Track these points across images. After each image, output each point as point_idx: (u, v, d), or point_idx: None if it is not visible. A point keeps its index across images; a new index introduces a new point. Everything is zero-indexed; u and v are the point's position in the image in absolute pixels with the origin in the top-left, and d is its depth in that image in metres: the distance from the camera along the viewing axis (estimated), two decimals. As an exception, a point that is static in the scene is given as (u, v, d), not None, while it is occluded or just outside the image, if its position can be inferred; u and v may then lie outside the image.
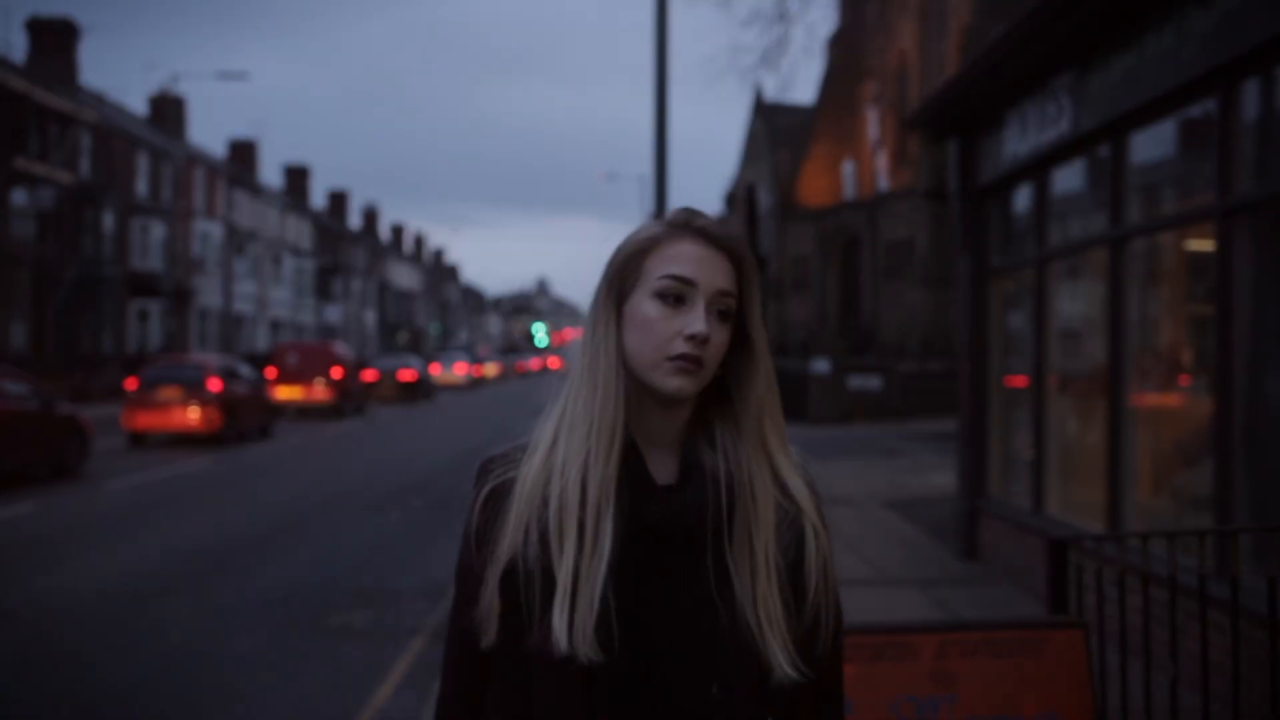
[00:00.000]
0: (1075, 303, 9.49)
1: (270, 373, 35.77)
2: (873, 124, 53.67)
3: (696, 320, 1.70)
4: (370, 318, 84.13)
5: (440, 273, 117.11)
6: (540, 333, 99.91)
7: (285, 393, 35.65)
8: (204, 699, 7.14)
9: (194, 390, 24.32)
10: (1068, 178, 9.41)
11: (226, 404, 24.79)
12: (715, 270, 1.74)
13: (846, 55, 53.21)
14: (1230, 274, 6.54)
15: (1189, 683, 4.42)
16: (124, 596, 9.82)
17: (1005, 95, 9.82)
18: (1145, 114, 7.60)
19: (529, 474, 1.76)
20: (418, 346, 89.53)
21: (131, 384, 24.87)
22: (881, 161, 53.39)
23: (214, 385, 24.53)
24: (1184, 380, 7.68)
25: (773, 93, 43.81)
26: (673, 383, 1.70)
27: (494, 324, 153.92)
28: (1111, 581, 4.22)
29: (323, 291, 73.04)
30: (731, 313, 1.75)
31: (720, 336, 1.74)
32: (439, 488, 17.55)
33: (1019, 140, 9.66)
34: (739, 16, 38.82)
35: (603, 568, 1.66)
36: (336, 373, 36.70)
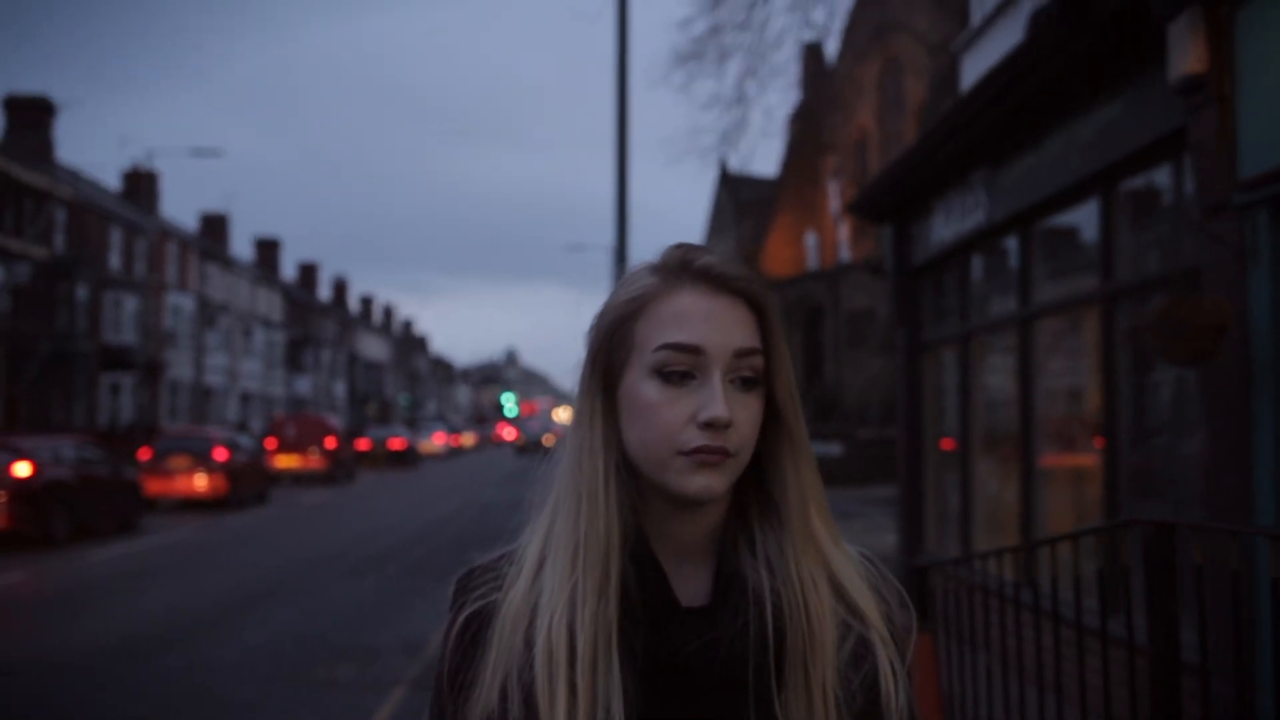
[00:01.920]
0: (996, 374, 10.46)
1: (270, 443, 39.13)
2: (834, 196, 55.02)
3: (713, 401, 1.28)
4: (340, 389, 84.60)
5: (409, 343, 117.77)
6: (509, 403, 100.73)
7: (284, 461, 39.11)
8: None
9: (202, 460, 26.95)
10: (988, 261, 10.42)
11: (231, 472, 27.17)
12: (729, 325, 1.32)
13: (808, 129, 54.71)
14: (1113, 349, 7.50)
15: (1019, 670, 5.29)
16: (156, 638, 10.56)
17: (932, 186, 10.86)
18: (1045, 208, 8.63)
19: (510, 606, 1.35)
20: (387, 417, 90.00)
21: (145, 454, 27.44)
22: (843, 233, 54.74)
23: (220, 455, 27.14)
24: (1089, 442, 8.63)
25: (733, 169, 45.05)
26: (694, 483, 1.29)
27: (463, 394, 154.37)
28: (965, 596, 5.11)
29: (293, 363, 73.57)
30: (759, 376, 1.34)
31: (748, 411, 1.32)
32: (414, 554, 18.27)
33: (944, 227, 10.68)
34: (699, 101, 40.32)
35: None
36: (330, 443, 40.06)
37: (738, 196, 60.08)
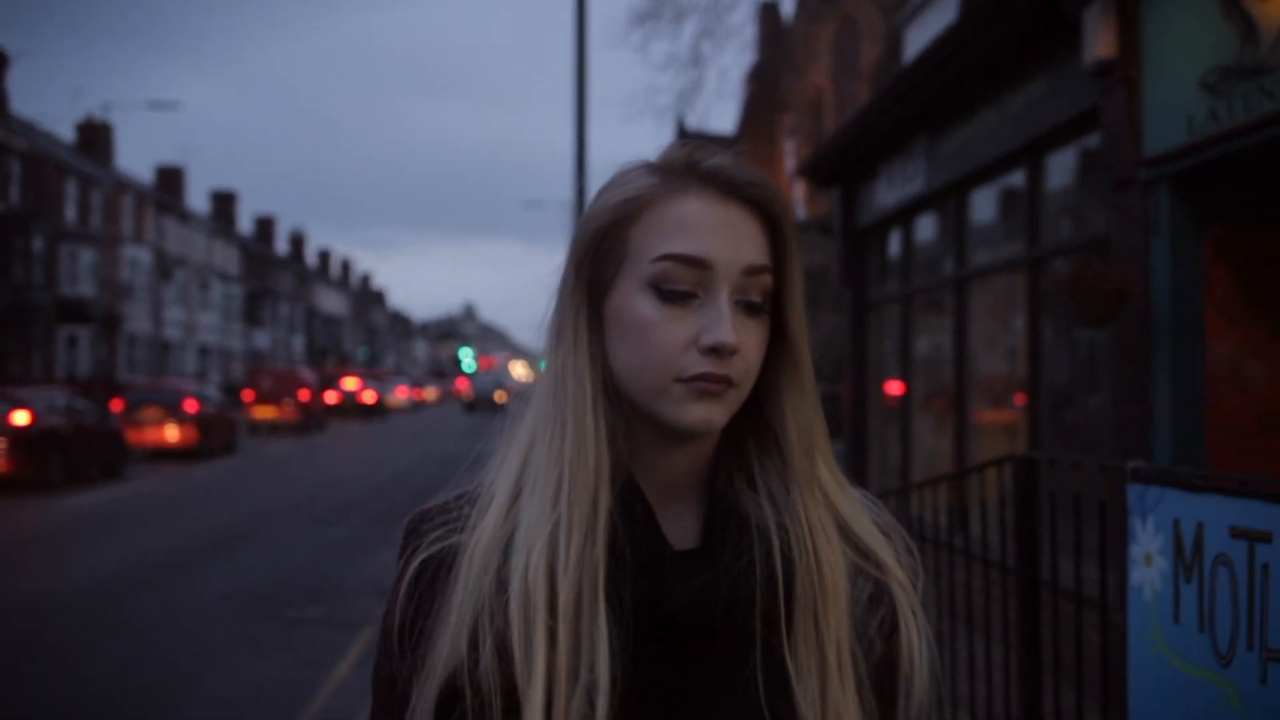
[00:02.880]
0: (935, 334, 11.05)
1: (248, 395, 42.16)
2: (790, 155, 55.43)
3: (719, 323, 1.14)
4: (298, 343, 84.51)
5: (367, 297, 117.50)
6: (467, 358, 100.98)
7: (260, 411, 41.52)
8: (186, 674, 8.34)
9: (173, 411, 27.89)
10: (927, 226, 10.99)
11: (202, 423, 28.19)
12: (739, 237, 1.18)
13: (764, 89, 55.04)
14: (1037, 312, 8.08)
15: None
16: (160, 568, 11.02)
17: (876, 153, 11.39)
18: (979, 178, 9.17)
19: (479, 544, 1.20)
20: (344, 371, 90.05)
21: (117, 405, 28.27)
22: (799, 192, 55.24)
23: (190, 406, 28.12)
24: (1016, 399, 9.23)
25: (691, 126, 45.34)
26: (693, 414, 1.16)
27: (421, 349, 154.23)
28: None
29: (251, 317, 73.44)
30: (767, 298, 1.20)
31: (754, 338, 1.18)
32: (378, 505, 18.76)
33: (888, 192, 11.23)
34: (655, 61, 40.65)
35: (600, 698, 1.12)
36: (304, 395, 42.35)
37: (695, 153, 60.10)
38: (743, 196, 1.18)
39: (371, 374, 68.97)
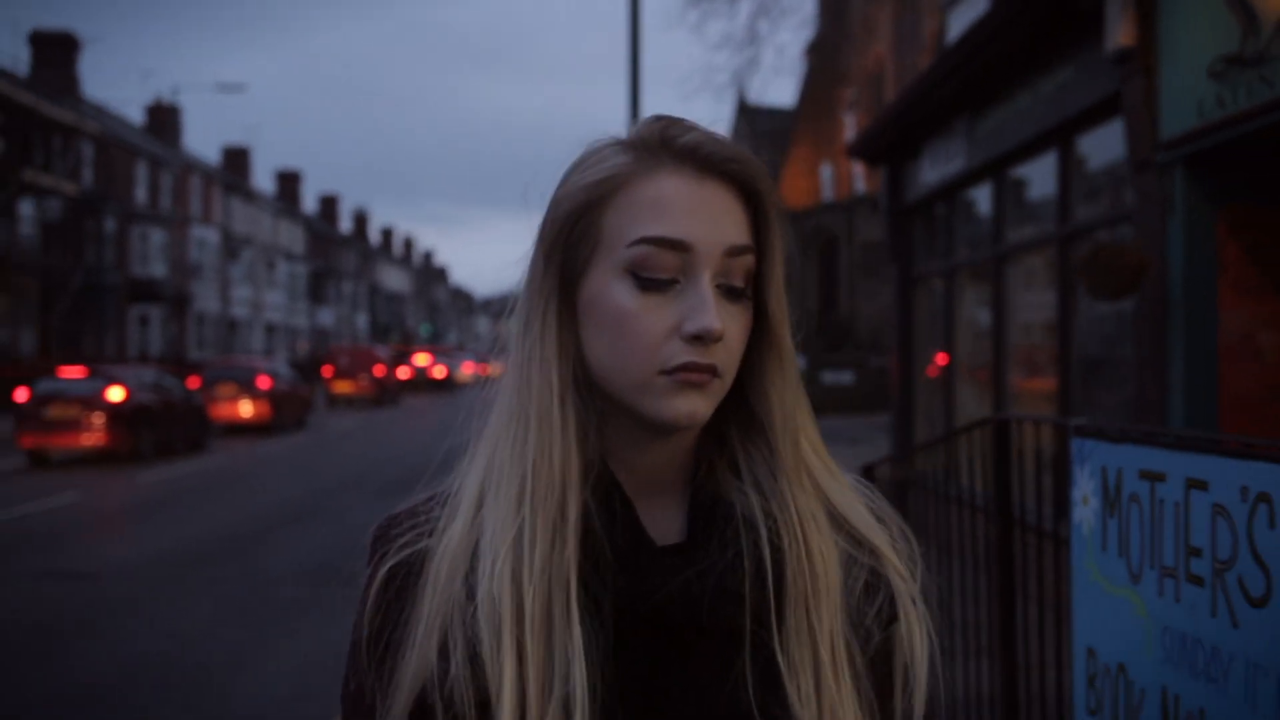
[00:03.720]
0: (976, 307, 11.43)
1: (327, 371, 44.99)
2: (850, 128, 55.46)
3: (702, 309, 1.07)
4: (361, 320, 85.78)
5: (429, 274, 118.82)
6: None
7: (339, 386, 44.26)
8: (266, 634, 8.95)
9: (247, 387, 29.13)
10: (968, 203, 11.36)
11: (274, 399, 29.38)
12: (720, 216, 1.11)
13: (824, 61, 55.01)
14: (1068, 286, 8.46)
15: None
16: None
17: (921, 132, 11.76)
18: (1014, 157, 9.55)
19: (447, 549, 1.14)
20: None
21: (194, 382, 29.22)
22: (858, 165, 55.27)
23: (264, 383, 29.33)
24: (1052, 366, 9.62)
25: (751, 100, 45.51)
26: (677, 407, 1.09)
27: (483, 324, 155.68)
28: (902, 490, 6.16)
29: (315, 295, 74.65)
30: (749, 280, 1.14)
31: (737, 323, 1.12)
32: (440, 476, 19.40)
33: (930, 170, 11.61)
34: (711, 41, 41.02)
35: (577, 710, 1.06)
36: (379, 371, 44.98)
37: (755, 127, 60.48)
38: (722, 173, 1.11)
39: (441, 350, 70.72)
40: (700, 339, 1.07)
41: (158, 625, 9.04)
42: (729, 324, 1.10)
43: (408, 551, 1.17)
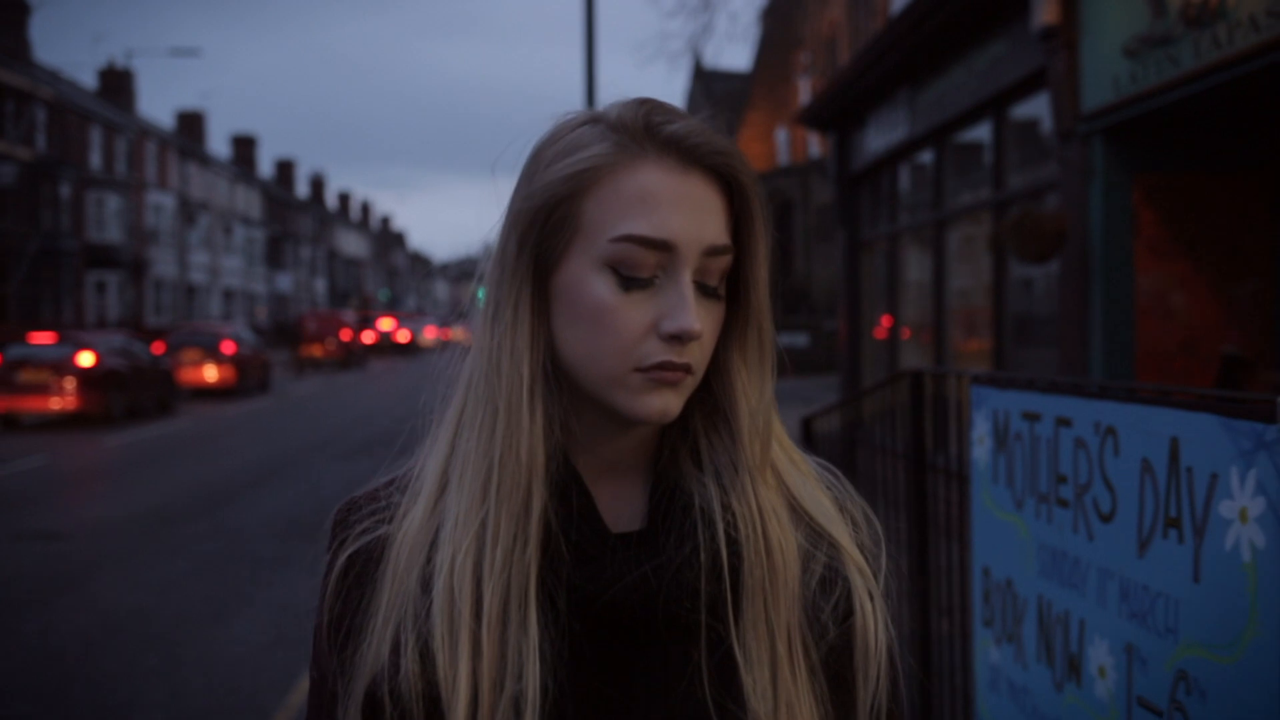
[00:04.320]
0: (920, 270, 11.91)
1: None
2: (804, 92, 55.73)
3: (681, 308, 1.06)
4: (320, 285, 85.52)
5: (387, 239, 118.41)
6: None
7: (308, 350, 45.60)
8: (241, 588, 9.31)
9: (211, 352, 29.74)
10: (910, 170, 11.82)
11: (239, 364, 30.08)
12: (702, 213, 1.09)
13: (779, 26, 55.27)
14: (1002, 250, 8.94)
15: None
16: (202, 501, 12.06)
17: (867, 101, 12.20)
18: (953, 126, 10.00)
19: (405, 539, 1.14)
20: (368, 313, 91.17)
21: (159, 347, 29.48)
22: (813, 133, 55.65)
23: (228, 348, 29.94)
24: (987, 327, 10.11)
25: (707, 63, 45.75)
26: (651, 405, 1.08)
27: (442, 289, 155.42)
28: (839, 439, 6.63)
29: (273, 260, 74.39)
30: (724, 279, 1.13)
31: (711, 320, 1.11)
32: (401, 438, 19.76)
33: (876, 138, 12.06)
34: (665, 8, 41.41)
35: (528, 709, 1.05)
36: (345, 335, 46.76)
37: (711, 91, 60.69)
38: (705, 165, 1.09)
39: (405, 315, 71.72)
40: (678, 338, 1.06)
41: (135, 581, 9.39)
42: (704, 321, 1.09)
43: (367, 538, 1.17)
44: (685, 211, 1.07)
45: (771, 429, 1.16)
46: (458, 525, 1.09)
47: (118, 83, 56.07)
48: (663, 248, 1.06)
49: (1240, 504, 2.07)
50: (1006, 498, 3.10)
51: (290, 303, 73.65)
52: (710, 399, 1.16)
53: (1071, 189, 7.33)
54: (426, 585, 1.10)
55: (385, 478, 1.24)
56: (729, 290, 1.14)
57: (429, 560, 1.11)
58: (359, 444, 18.81)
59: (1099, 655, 2.62)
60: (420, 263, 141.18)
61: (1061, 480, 2.79)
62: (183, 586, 9.27)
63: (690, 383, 1.10)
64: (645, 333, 1.07)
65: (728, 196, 1.11)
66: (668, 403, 1.09)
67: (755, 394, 1.15)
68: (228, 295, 66.54)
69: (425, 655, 1.08)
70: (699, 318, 1.07)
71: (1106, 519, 2.58)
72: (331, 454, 17.62)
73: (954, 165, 10.54)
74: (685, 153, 1.08)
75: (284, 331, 52.28)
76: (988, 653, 3.29)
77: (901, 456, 4.09)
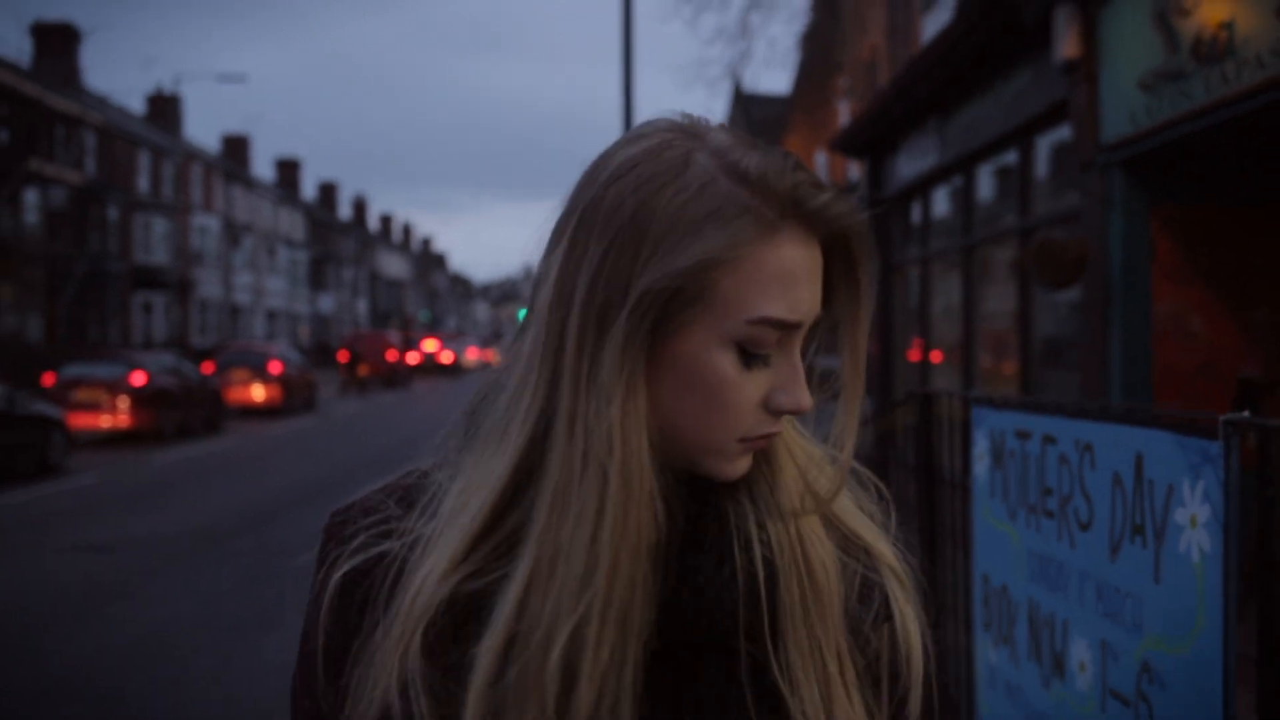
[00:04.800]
0: (949, 294, 12.14)
1: (343, 356, 47.31)
2: (844, 116, 55.97)
3: (796, 386, 1.02)
4: (362, 306, 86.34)
5: (428, 260, 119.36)
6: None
7: (353, 370, 46.16)
8: (285, 601, 9.53)
9: (259, 372, 30.58)
10: (940, 196, 12.07)
11: (285, 383, 30.95)
12: (817, 286, 1.03)
13: (819, 49, 55.55)
14: (1026, 275, 9.17)
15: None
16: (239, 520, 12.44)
17: (898, 129, 12.46)
18: (980, 155, 10.25)
19: (423, 586, 1.02)
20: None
21: (209, 367, 30.60)
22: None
23: (275, 368, 30.78)
24: (1015, 349, 10.33)
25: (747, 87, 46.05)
26: (738, 469, 1.04)
27: (481, 311, 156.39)
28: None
29: (316, 281, 75.21)
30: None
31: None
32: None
33: (907, 165, 12.31)
34: (704, 36, 41.85)
35: None
36: (391, 355, 48.29)
37: (750, 115, 61.01)
38: (827, 232, 1.02)
39: (449, 336, 72.73)
40: (788, 413, 1.02)
41: (186, 591, 9.74)
42: None
43: (366, 554, 1.07)
44: (812, 288, 1.01)
45: (797, 429, 1.13)
46: (553, 614, 0.96)
47: (165, 107, 57.02)
48: (794, 328, 1.00)
49: (1191, 511, 2.33)
50: (1002, 510, 3.35)
51: (332, 323, 74.46)
52: None
53: (1092, 218, 7.57)
54: (456, 632, 1.01)
55: (376, 485, 1.16)
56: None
57: (468, 614, 1.01)
58: (403, 463, 19.16)
59: (1079, 652, 2.88)
60: (460, 284, 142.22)
61: (1048, 493, 3.05)
62: (231, 598, 9.60)
63: None
64: (757, 407, 1.01)
65: (823, 257, 1.04)
66: (748, 464, 1.05)
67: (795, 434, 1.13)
68: (271, 316, 67.29)
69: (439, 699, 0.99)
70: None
71: (1085, 527, 2.84)
72: (376, 473, 17.87)
73: (982, 192, 10.78)
74: (818, 223, 1.00)
75: (327, 351, 53.15)
76: (987, 654, 3.54)
77: (913, 471, 4.35)
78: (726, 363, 0.99)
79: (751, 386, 1.00)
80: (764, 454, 1.08)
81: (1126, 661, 2.62)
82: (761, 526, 1.05)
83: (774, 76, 79.07)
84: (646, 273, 0.97)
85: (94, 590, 9.75)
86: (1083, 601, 2.86)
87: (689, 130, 1.03)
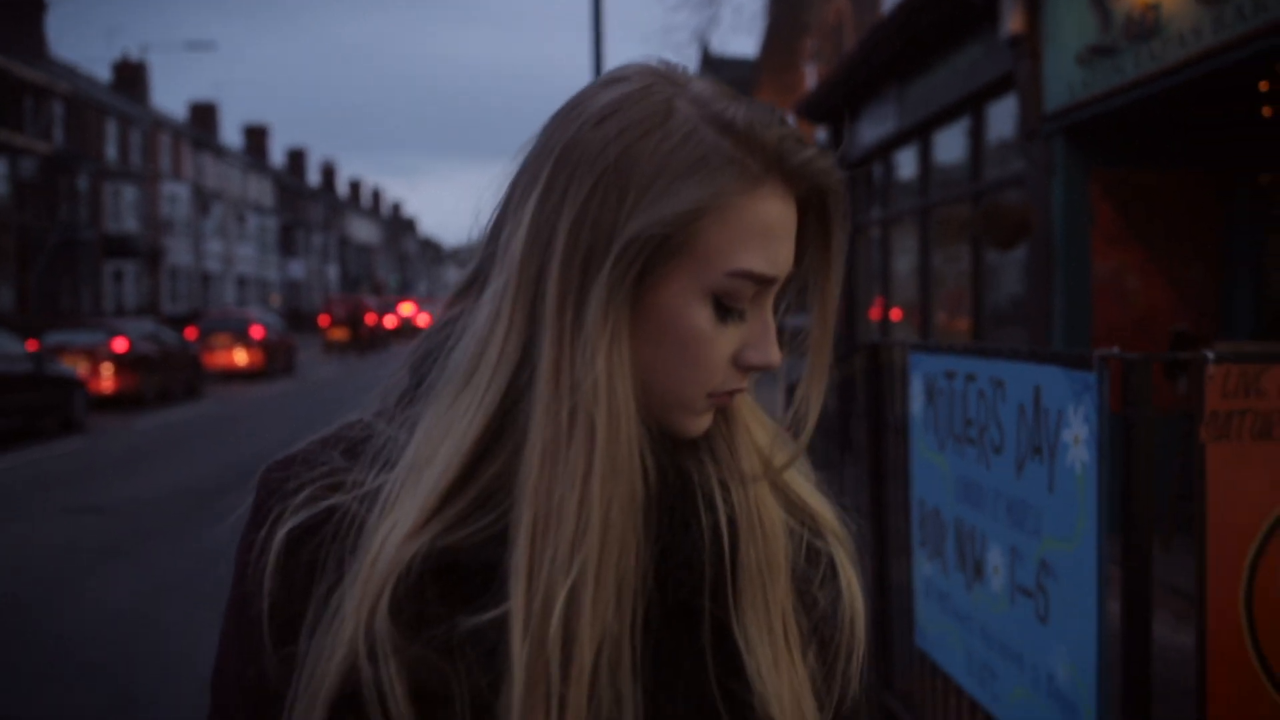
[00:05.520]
0: (908, 255, 12.67)
1: (324, 320, 49.14)
2: (810, 79, 56.45)
3: (767, 342, 1.02)
4: (332, 272, 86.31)
5: (398, 225, 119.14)
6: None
7: (334, 334, 48.01)
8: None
9: (241, 337, 31.44)
10: (899, 160, 12.58)
11: (266, 348, 31.85)
12: (792, 242, 1.02)
13: (786, 11, 55.87)
14: (978, 239, 9.70)
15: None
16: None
17: (860, 95, 12.96)
18: (935, 122, 10.75)
19: (385, 544, 0.96)
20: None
21: (192, 333, 31.39)
22: (819, 114, 56.30)
23: (257, 333, 31.68)
24: (969, 306, 10.87)
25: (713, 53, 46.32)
26: (702, 424, 1.04)
27: (452, 274, 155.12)
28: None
29: (286, 248, 75.14)
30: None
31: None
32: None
33: (868, 130, 12.81)
34: (669, 3, 41.96)
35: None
36: (369, 319, 49.11)
37: (720, 77, 61.12)
38: (802, 190, 1.01)
39: (425, 300, 72.72)
40: (756, 370, 1.02)
41: (180, 549, 10.16)
42: None
43: (312, 510, 1.01)
44: (789, 244, 1.01)
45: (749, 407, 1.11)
46: (540, 583, 0.93)
47: (131, 75, 56.72)
48: (770, 282, 1.00)
49: (1075, 432, 2.85)
50: (933, 442, 3.87)
51: (303, 290, 74.52)
52: None
53: (1036, 183, 8.09)
54: (457, 597, 0.96)
55: (315, 437, 1.10)
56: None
57: (462, 581, 0.97)
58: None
59: (994, 558, 3.40)
60: (430, 248, 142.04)
61: (969, 424, 3.57)
62: (225, 553, 9.88)
63: None
64: (728, 362, 1.01)
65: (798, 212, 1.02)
66: (710, 422, 1.04)
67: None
68: (241, 283, 67.25)
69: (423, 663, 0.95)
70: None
71: (998, 451, 3.36)
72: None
73: (938, 157, 11.29)
74: (803, 182, 1.00)
75: (299, 317, 53.63)
76: (922, 568, 4.07)
77: (864, 416, 4.86)
78: (703, 316, 0.98)
79: (724, 341, 1.00)
80: (725, 413, 1.07)
81: (1029, 562, 3.14)
82: (724, 486, 1.04)
83: (740, 42, 79.13)
84: (633, 220, 0.95)
85: (93, 550, 10.14)
86: (996, 515, 3.38)
87: (668, 76, 1.01)
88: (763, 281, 0.98)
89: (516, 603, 0.93)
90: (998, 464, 3.36)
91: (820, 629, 1.12)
